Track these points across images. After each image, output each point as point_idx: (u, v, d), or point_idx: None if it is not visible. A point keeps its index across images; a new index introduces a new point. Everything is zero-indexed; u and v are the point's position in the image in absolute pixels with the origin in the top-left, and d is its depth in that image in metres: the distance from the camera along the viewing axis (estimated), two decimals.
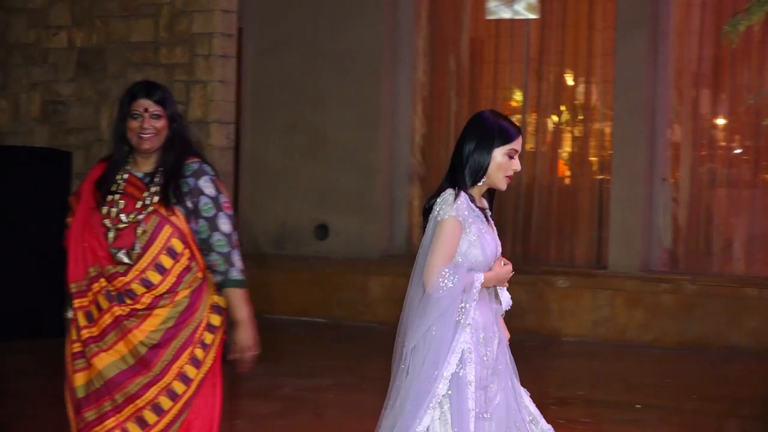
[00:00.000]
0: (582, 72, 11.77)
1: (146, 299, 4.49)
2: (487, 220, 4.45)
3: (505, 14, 12.08)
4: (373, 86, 12.16)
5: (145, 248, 4.47)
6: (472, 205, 4.39)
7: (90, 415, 4.49)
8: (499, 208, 11.87)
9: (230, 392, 7.80)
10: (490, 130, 4.42)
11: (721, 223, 10.95)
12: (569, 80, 11.92)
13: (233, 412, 7.42)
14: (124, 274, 4.47)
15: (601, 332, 10.67)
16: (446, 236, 4.35)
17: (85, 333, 4.51)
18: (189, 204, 4.54)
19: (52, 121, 10.05)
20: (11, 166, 9.85)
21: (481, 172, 4.39)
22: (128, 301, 4.49)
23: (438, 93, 12.40)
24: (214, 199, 4.58)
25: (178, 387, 4.54)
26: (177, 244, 4.52)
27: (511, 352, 4.47)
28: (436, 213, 4.40)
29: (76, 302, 4.53)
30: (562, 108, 11.95)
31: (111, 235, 4.51)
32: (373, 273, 11.90)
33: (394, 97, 12.29)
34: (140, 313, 4.50)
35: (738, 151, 11.03)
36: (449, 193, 4.40)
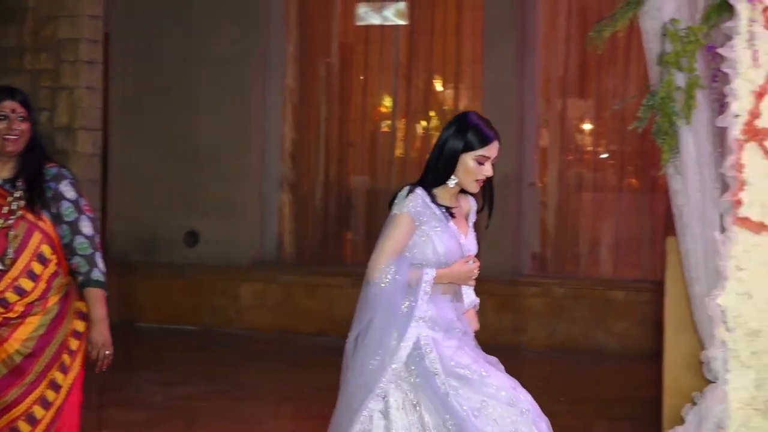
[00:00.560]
0: (451, 78, 11.86)
1: (19, 307, 4.43)
2: (452, 217, 4.42)
3: (375, 20, 12.12)
4: (243, 92, 12.09)
5: (18, 253, 4.40)
6: (429, 202, 4.36)
7: None
8: (369, 214, 11.90)
9: (98, 401, 7.71)
10: (464, 131, 4.41)
11: (589, 226, 11.14)
12: (438, 86, 12.00)
13: (101, 421, 7.30)
14: None
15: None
16: (394, 231, 4.32)
17: None
18: (54, 209, 4.48)
19: None
20: None
21: (446, 174, 4.38)
22: (1, 310, 4.41)
23: (308, 99, 12.38)
24: (75, 203, 4.53)
25: (50, 395, 4.48)
26: (46, 250, 4.46)
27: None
28: (391, 208, 4.40)
29: None
30: (432, 114, 12.02)
31: None
32: (243, 279, 11.82)
33: (264, 104, 12.24)
34: (13, 321, 4.43)
35: (604, 155, 11.23)
36: (405, 189, 4.40)
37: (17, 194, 4.48)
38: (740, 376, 5.54)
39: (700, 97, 5.80)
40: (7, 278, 4.41)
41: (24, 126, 4.50)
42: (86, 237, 4.52)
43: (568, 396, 8.47)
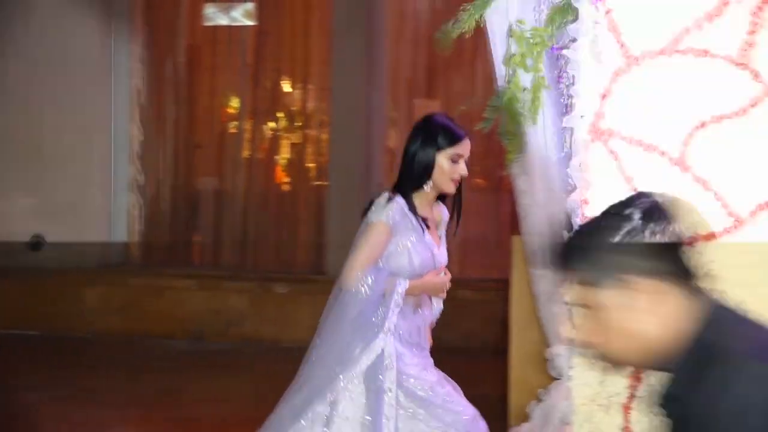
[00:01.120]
0: (299, 79, 11.85)
1: None
2: (427, 228, 4.33)
3: (223, 21, 12.05)
4: (88, 93, 11.90)
5: None
6: (407, 212, 4.26)
7: None
8: (216, 216, 11.80)
9: None
10: (434, 133, 4.32)
11: None
12: (287, 87, 11.97)
13: None
14: None
15: None
16: (372, 239, 4.22)
17: None
18: None
19: None
20: None
21: (423, 177, 4.28)
22: None
23: (155, 100, 12.25)
24: None
25: None
26: None
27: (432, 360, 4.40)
28: (368, 215, 4.28)
29: None
30: (280, 115, 12.00)
31: None
32: (89, 283, 11.62)
33: (110, 105, 12.07)
34: None
35: None
36: (384, 196, 4.28)
37: None
38: (584, 372, 5.64)
39: (546, 98, 5.89)
40: None
41: None
42: None
43: None
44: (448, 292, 10.59)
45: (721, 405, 2.75)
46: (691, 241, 4.83)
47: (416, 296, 4.27)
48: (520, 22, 5.84)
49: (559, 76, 5.90)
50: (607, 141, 5.60)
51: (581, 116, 5.63)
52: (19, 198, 11.79)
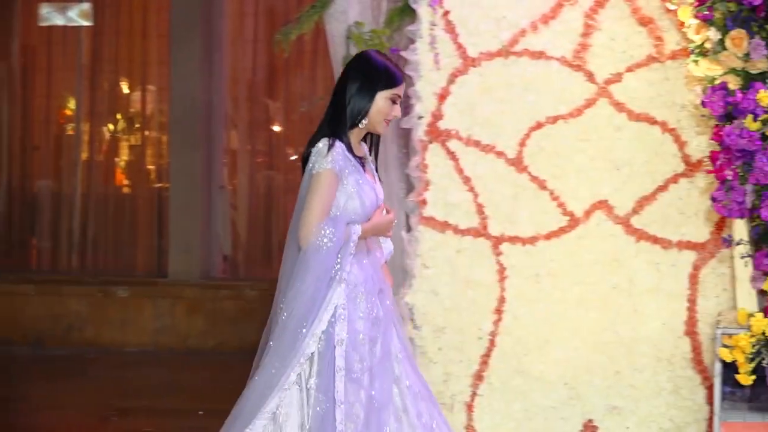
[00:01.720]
0: (138, 80, 11.69)
1: None
2: (364, 168, 4.20)
3: (58, 21, 11.80)
4: None
5: None
6: (348, 154, 4.12)
7: None
8: (54, 219, 11.58)
9: None
10: (375, 72, 4.16)
11: (279, 228, 11.19)
12: (125, 88, 11.80)
13: None
14: None
15: (163, 341, 10.63)
16: (322, 190, 4.01)
17: None
18: None
19: None
20: None
21: (360, 115, 4.12)
22: None
23: None
24: None
25: None
26: None
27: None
28: (310, 165, 4.11)
29: None
30: (118, 116, 11.81)
31: None
32: None
33: None
34: None
35: (293, 157, 11.31)
36: (323, 143, 4.11)
37: None
38: (428, 371, 5.68)
39: None
40: None
41: None
42: None
43: None
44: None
45: None
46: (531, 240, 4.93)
47: (365, 240, 4.16)
48: (358, 23, 5.86)
49: None
50: (445, 142, 5.67)
51: (419, 117, 5.69)
52: None
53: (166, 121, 11.36)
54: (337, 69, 6.00)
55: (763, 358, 4.56)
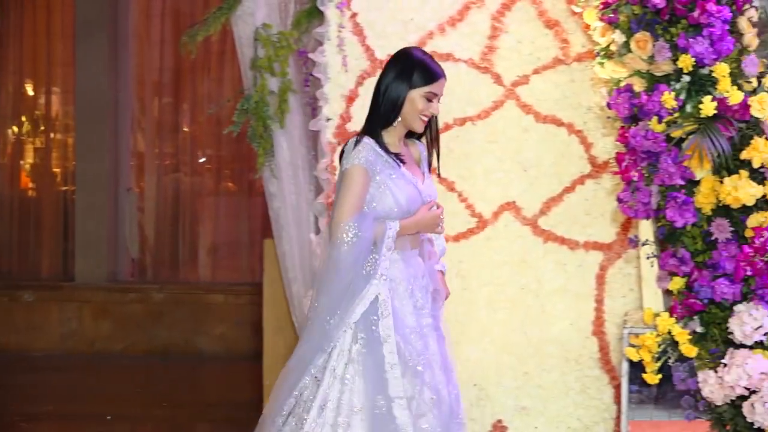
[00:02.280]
0: (42, 81, 11.52)
1: None
2: (401, 163, 4.10)
3: None
4: None
5: None
6: (380, 150, 4.03)
7: None
8: None
9: None
10: (410, 68, 4.06)
11: (187, 231, 11.11)
12: (29, 90, 11.63)
13: None
14: None
15: (70, 345, 10.49)
16: (350, 186, 3.91)
17: None
18: None
19: None
20: None
21: (393, 113, 4.03)
22: None
23: None
24: None
25: None
26: None
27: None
28: (342, 162, 4.03)
29: None
30: (23, 119, 11.63)
31: None
32: None
33: None
34: None
35: (201, 160, 11.24)
36: (352, 140, 4.03)
37: None
38: None
39: (293, 102, 5.91)
40: None
41: None
42: None
43: (169, 401, 8.41)
44: (199, 298, 10.56)
45: None
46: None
47: (413, 236, 4.07)
48: (266, 25, 5.83)
49: (306, 80, 5.93)
50: None
51: (328, 119, 5.68)
52: None
53: (71, 123, 11.21)
54: (245, 71, 5.97)
55: (669, 357, 4.62)
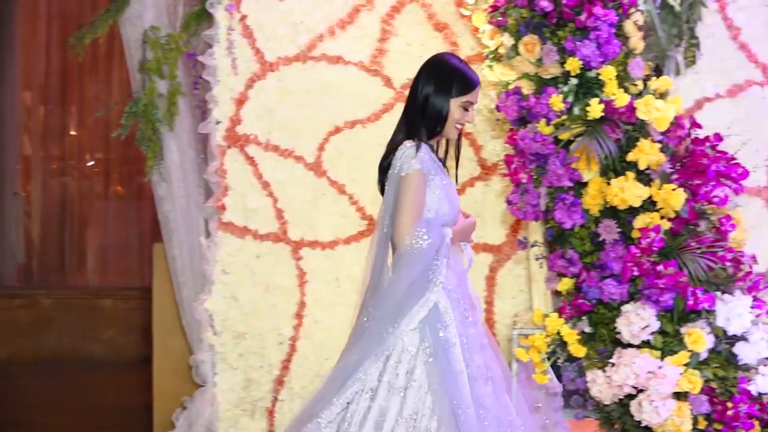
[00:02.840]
0: None
1: None
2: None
3: None
4: None
5: None
6: (433, 156, 3.93)
7: None
8: None
9: None
10: (449, 77, 3.94)
11: (75, 235, 10.96)
12: None
13: None
14: None
15: None
16: (413, 191, 3.79)
17: None
18: None
19: None
20: None
21: (439, 124, 3.92)
22: None
23: None
24: None
25: None
26: None
27: None
28: (397, 169, 3.87)
29: None
30: None
31: None
32: None
33: None
34: None
35: (90, 163, 11.09)
36: (409, 145, 3.89)
37: None
38: (228, 378, 5.66)
39: (183, 104, 5.86)
40: None
41: None
42: None
43: (59, 408, 8.29)
44: (88, 303, 10.42)
45: None
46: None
47: (454, 245, 4.01)
48: (154, 28, 5.78)
49: (195, 83, 5.89)
50: (244, 147, 5.64)
51: (217, 122, 5.64)
52: None
53: None
54: (133, 73, 5.91)
55: (558, 358, 4.66)
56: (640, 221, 4.58)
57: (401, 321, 3.88)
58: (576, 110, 4.66)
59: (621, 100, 4.65)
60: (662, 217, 4.58)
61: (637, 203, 4.57)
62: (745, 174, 4.76)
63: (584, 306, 4.61)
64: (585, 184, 4.60)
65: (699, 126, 4.79)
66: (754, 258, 4.79)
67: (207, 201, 5.75)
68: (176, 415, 5.95)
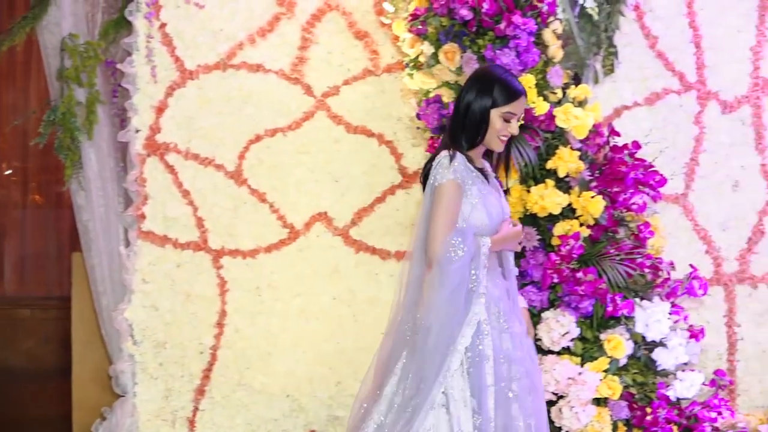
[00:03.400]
0: None
1: None
2: (488, 180, 3.90)
3: None
4: None
5: None
6: (470, 165, 3.83)
7: None
8: None
9: None
10: (490, 86, 3.85)
11: None
12: None
13: None
14: None
15: None
16: (447, 202, 3.70)
17: None
18: None
19: None
20: None
21: (479, 136, 3.83)
22: None
23: None
24: None
25: None
26: None
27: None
28: (432, 179, 3.79)
29: None
30: None
31: None
32: None
33: None
34: None
35: (8, 172, 10.95)
36: (444, 155, 3.79)
37: None
38: (148, 388, 5.61)
39: (102, 113, 5.80)
40: None
41: None
42: None
43: None
44: (5, 313, 10.28)
45: None
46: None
47: (494, 254, 3.90)
48: (73, 35, 5.71)
49: (114, 91, 5.83)
50: (164, 155, 5.59)
51: (137, 131, 5.60)
52: None
53: None
54: (51, 81, 5.83)
55: None
56: (560, 228, 4.62)
57: (457, 338, 3.82)
58: None
59: (540, 108, 4.68)
60: (582, 225, 4.62)
61: (556, 211, 4.60)
62: (663, 181, 4.83)
63: None
64: (505, 192, 4.62)
65: (617, 134, 4.85)
66: (672, 265, 4.86)
67: (126, 210, 5.70)
68: (96, 426, 5.89)
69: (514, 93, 3.98)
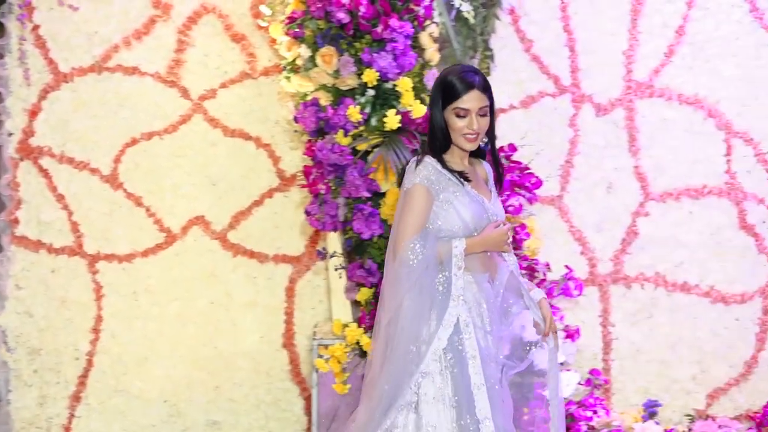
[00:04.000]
0: None
1: None
2: (466, 181, 3.76)
3: None
4: None
5: None
6: (442, 169, 3.70)
7: None
8: None
9: None
10: (437, 90, 3.74)
11: None
12: None
13: None
14: None
15: None
16: (411, 205, 3.59)
17: None
18: None
19: None
20: None
21: (443, 137, 3.72)
22: None
23: None
24: None
25: None
26: None
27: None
28: (403, 183, 3.70)
29: None
30: None
31: None
32: None
33: None
34: None
35: None
36: (412, 160, 3.70)
37: None
38: (23, 395, 5.52)
39: None
40: None
41: None
42: None
43: None
44: None
45: None
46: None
47: (482, 259, 3.78)
48: None
49: None
50: (38, 159, 5.51)
51: (10, 134, 5.50)
52: None
53: None
54: None
55: (358, 367, 4.68)
56: None
57: (429, 341, 3.79)
58: (373, 121, 4.71)
59: (417, 111, 4.71)
60: None
61: None
62: (539, 183, 4.89)
63: None
64: (383, 195, 4.65)
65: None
66: (548, 266, 4.92)
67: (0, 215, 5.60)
68: None
69: (457, 89, 3.89)
